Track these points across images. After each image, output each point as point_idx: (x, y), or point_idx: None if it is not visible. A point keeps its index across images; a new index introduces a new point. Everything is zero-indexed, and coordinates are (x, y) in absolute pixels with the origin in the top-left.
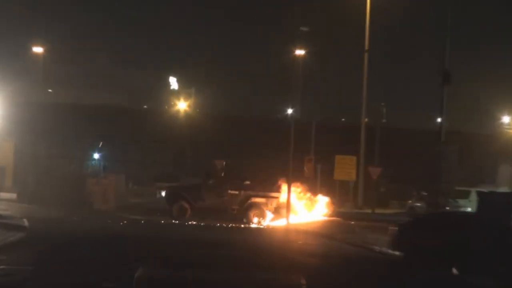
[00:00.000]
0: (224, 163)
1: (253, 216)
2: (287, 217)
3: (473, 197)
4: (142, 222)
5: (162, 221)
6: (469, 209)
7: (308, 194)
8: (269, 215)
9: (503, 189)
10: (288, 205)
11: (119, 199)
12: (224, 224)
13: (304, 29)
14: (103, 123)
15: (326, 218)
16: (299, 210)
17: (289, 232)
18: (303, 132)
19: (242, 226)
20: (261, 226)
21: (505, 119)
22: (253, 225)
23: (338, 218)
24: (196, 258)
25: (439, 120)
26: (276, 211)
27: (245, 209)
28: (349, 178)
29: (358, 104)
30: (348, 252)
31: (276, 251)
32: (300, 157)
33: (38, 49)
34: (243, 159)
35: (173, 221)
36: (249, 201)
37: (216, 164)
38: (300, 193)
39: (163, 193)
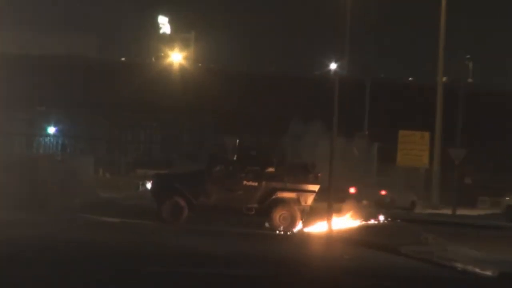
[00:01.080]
0: (238, 141)
1: (280, 219)
2: (328, 220)
3: None
4: (118, 226)
5: (147, 225)
6: None
7: None
8: (302, 217)
9: None
10: (330, 202)
11: (84, 192)
12: (237, 230)
13: None
14: (63, 81)
15: (385, 222)
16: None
17: (332, 242)
18: (353, 96)
19: (263, 232)
20: (291, 233)
21: None
22: (279, 232)
23: (402, 222)
24: (195, 282)
25: None
26: (313, 211)
27: (267, 208)
28: (419, 164)
29: (432, 58)
30: (418, 271)
31: (313, 270)
32: (348, 131)
33: None
34: (265, 135)
35: (163, 224)
36: (274, 197)
37: (225, 143)
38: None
39: (149, 185)
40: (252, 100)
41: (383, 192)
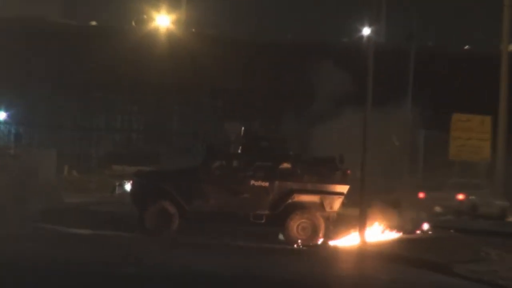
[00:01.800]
0: (243, 129)
1: (298, 229)
2: (360, 231)
3: None
4: (89, 239)
5: (126, 237)
6: None
7: None
8: (326, 226)
9: None
10: (362, 208)
11: (45, 196)
12: (243, 244)
13: None
14: (16, 53)
15: (430, 232)
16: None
17: (366, 258)
18: (392, 69)
19: (277, 247)
20: (313, 248)
21: None
22: (297, 246)
23: (456, 233)
24: None
25: None
26: (341, 219)
27: (282, 216)
28: (479, 157)
29: (493, 21)
30: None
31: None
32: (386, 114)
33: None
34: (279, 121)
35: (147, 236)
36: (290, 201)
37: (228, 130)
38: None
39: (128, 186)
40: (261, 76)
41: (460, 197)
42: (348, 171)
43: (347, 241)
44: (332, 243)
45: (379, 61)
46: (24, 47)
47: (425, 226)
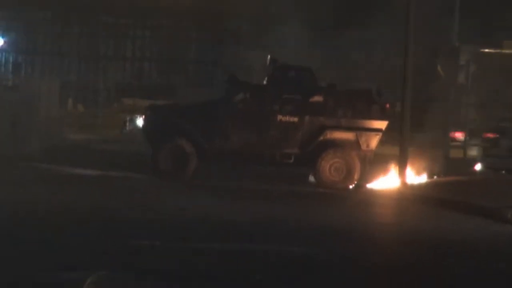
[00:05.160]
0: (269, 57)
1: (330, 170)
2: (400, 172)
3: None
4: (95, 181)
5: (138, 179)
6: None
7: None
8: (363, 167)
9: None
10: (403, 146)
11: (47, 132)
12: (268, 187)
13: None
14: None
15: (477, 174)
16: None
17: (407, 203)
18: None
19: (308, 190)
20: (347, 191)
21: None
22: (330, 188)
23: (506, 173)
24: (203, 258)
25: None
26: (379, 158)
27: (313, 155)
28: None
29: None
30: None
31: (387, 246)
32: (428, 42)
33: None
34: (309, 48)
35: (161, 179)
36: (322, 138)
37: (251, 59)
38: None
39: (140, 122)
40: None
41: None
42: (387, 105)
43: (386, 183)
44: (368, 185)
45: None
46: None
47: (477, 167)
